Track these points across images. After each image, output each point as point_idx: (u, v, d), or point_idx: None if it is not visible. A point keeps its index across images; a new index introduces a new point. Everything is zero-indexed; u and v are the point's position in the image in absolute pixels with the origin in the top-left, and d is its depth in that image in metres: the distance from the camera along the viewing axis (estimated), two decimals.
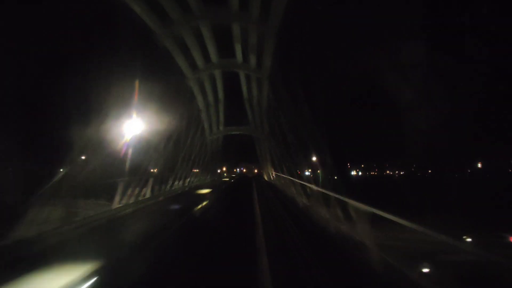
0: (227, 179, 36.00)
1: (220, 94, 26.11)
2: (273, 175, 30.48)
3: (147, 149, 15.51)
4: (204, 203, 14.78)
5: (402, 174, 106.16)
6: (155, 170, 21.85)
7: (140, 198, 13.30)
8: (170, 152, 22.36)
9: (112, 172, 12.10)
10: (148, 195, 14.92)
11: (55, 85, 23.83)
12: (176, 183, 21.81)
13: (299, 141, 16.74)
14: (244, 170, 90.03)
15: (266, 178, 35.52)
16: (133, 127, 11.97)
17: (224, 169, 77.31)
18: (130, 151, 12.37)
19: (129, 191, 12.80)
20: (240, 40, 17.56)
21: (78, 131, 10.65)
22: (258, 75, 21.28)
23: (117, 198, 11.52)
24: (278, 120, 23.20)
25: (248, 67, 20.82)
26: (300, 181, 13.28)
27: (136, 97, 12.63)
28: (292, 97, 19.31)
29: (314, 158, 27.59)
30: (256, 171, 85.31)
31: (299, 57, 17.40)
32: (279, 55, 18.24)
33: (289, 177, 16.07)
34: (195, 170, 34.31)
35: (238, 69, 21.51)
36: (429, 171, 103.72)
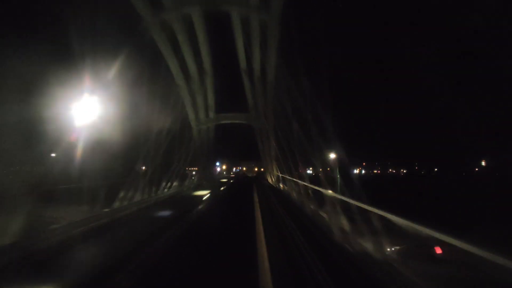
0: (206, 193, 17.57)
1: (206, 62, 17.14)
2: (277, 176, 21.72)
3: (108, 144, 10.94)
4: None
5: (405, 172, 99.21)
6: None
7: None
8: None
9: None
10: None
11: None
12: (133, 194, 13.07)
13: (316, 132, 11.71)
14: (244, 169, 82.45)
15: (270, 180, 26.65)
16: (85, 111, 7.85)
17: (224, 167, 68.36)
18: (80, 147, 8.30)
19: None
20: None
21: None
22: (264, 17, 12.40)
23: None
24: (290, 100, 14.88)
25: (246, 2, 11.94)
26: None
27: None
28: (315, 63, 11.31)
29: (332, 155, 18.95)
30: (256, 169, 77.41)
31: None
32: None
33: (332, 193, 7.22)
34: (191, 169, 25.69)
35: (230, 7, 12.53)
36: (435, 169, 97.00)
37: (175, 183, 18.54)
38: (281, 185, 20.68)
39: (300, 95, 13.97)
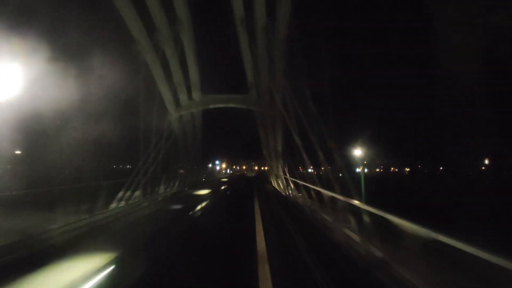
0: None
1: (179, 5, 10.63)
2: (287, 180, 15.40)
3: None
4: None
5: (409, 171, 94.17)
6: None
7: None
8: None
9: None
10: None
11: None
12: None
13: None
14: (244, 167, 75.76)
15: (275, 185, 20.32)
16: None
17: (224, 166, 61.35)
18: None
19: None
20: None
21: None
22: None
23: None
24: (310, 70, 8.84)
25: None
26: None
27: None
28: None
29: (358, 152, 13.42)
30: (256, 168, 71.00)
31: None
32: None
33: None
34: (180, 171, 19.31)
35: None
36: (441, 168, 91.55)
37: (137, 193, 12.13)
38: (291, 193, 14.41)
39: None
